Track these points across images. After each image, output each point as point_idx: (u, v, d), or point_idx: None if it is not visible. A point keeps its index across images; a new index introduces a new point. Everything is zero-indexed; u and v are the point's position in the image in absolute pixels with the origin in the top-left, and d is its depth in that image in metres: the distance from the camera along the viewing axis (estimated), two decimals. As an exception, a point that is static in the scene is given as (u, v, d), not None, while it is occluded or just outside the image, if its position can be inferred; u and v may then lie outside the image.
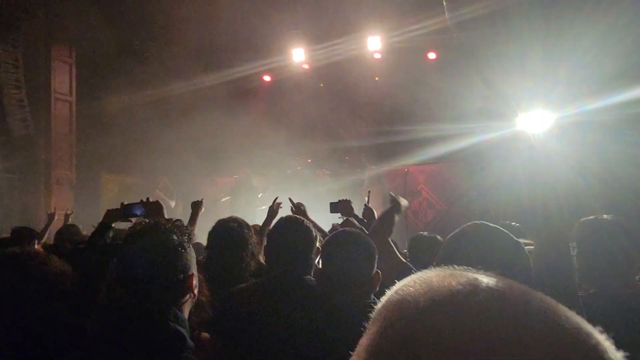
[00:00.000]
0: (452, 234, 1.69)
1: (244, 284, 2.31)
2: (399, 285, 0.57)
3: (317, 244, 2.32)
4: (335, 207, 4.49)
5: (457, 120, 8.57)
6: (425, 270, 0.58)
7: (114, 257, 2.06)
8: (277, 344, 1.91)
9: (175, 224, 1.61)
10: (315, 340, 1.80)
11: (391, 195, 3.28)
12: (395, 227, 3.31)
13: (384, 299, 0.57)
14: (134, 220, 3.05)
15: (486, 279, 0.52)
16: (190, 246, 1.61)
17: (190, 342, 1.46)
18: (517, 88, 6.29)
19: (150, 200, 3.13)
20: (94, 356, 1.43)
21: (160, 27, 10.26)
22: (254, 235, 2.89)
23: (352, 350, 0.55)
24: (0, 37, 8.15)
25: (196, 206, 3.96)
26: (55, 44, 9.72)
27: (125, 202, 3.11)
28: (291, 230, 2.26)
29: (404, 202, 3.23)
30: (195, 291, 1.58)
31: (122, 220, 3.06)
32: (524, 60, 6.50)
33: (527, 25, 6.52)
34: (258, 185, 10.23)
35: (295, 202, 4.24)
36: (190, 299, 1.56)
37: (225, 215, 3.53)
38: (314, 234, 2.30)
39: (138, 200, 3.24)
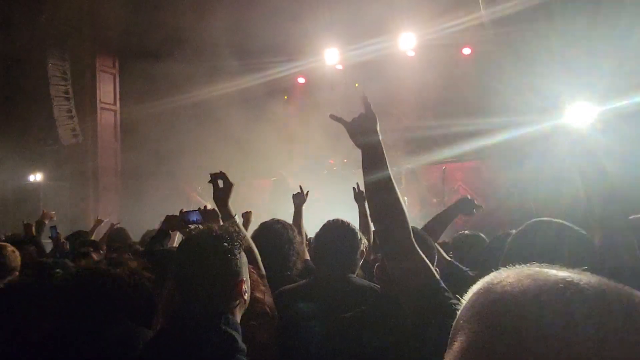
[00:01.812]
0: (516, 232, 1.67)
1: (293, 284, 2.40)
2: (486, 283, 0.57)
3: (362, 247, 2.39)
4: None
5: (493, 115, 8.46)
6: (509, 268, 0.58)
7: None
8: (326, 342, 1.98)
9: (227, 230, 1.63)
10: (363, 336, 1.86)
11: (466, 196, 3.22)
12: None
13: (472, 298, 0.57)
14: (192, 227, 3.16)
15: (580, 277, 0.53)
16: (242, 252, 1.64)
17: (242, 345, 1.48)
18: (559, 81, 6.18)
19: (207, 207, 3.25)
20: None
21: (196, 31, 10.51)
22: (298, 235, 2.97)
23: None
24: (50, 52, 8.56)
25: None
26: (99, 55, 10.14)
27: (184, 210, 3.22)
28: (337, 232, 2.36)
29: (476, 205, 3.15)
30: (246, 297, 1.60)
31: (181, 227, 3.16)
32: (567, 54, 6.38)
33: (571, 19, 6.39)
34: (295, 187, 10.33)
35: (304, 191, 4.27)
36: (241, 304, 1.59)
37: (262, 218, 3.61)
38: (359, 236, 2.40)
39: (192, 208, 3.37)
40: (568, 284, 0.52)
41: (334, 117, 1.83)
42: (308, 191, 4.25)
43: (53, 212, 5.21)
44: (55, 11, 9.15)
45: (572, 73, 6.06)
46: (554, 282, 0.52)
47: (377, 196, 1.64)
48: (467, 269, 2.71)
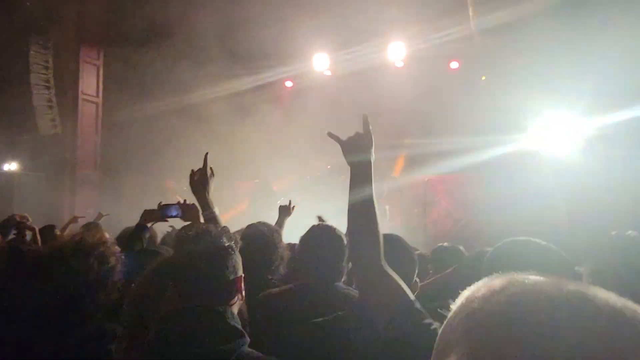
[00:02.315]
0: (492, 250, 1.65)
1: (275, 289, 2.35)
2: (469, 297, 0.56)
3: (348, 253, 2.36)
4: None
5: (477, 132, 8.55)
6: (485, 282, 0.57)
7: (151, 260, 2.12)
8: (308, 349, 1.93)
9: (224, 229, 1.69)
10: (345, 345, 1.82)
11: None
12: (416, 237, 3.26)
13: (457, 316, 0.55)
14: (169, 220, 3.09)
15: (570, 286, 0.52)
16: (237, 250, 1.68)
17: (247, 338, 1.54)
18: (541, 99, 6.25)
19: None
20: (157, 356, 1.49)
21: (184, 27, 10.41)
22: (283, 240, 2.92)
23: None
24: (33, 39, 8.37)
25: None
26: (83, 46, 9.95)
27: (163, 204, 3.15)
28: (323, 238, 2.32)
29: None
30: (243, 293, 1.65)
31: (159, 221, 3.11)
32: (548, 71, 6.47)
33: (551, 35, 6.49)
34: (278, 190, 10.29)
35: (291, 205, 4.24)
36: (239, 300, 1.64)
37: (243, 220, 3.56)
38: (345, 242, 2.35)
39: (162, 202, 3.28)
40: (577, 296, 0.50)
41: (331, 135, 1.85)
42: (294, 206, 4.22)
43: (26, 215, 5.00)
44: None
45: (555, 92, 6.14)
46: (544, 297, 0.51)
47: (356, 217, 1.68)
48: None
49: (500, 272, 1.44)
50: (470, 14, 7.88)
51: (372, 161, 1.72)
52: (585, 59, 6.25)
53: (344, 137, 1.79)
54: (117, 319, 1.83)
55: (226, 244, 1.63)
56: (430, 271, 3.53)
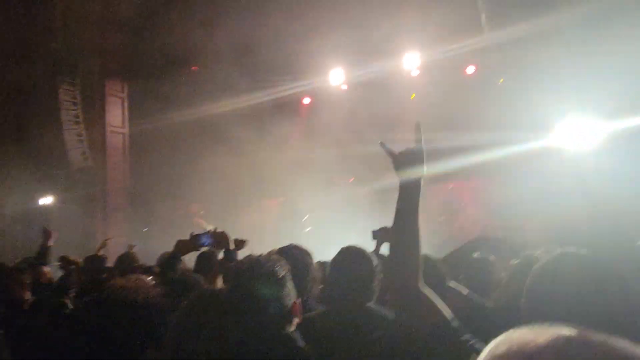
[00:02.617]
0: (537, 267, 1.55)
1: (311, 312, 2.43)
2: (490, 353, 0.56)
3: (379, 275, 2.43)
4: (376, 235, 4.52)
5: (498, 134, 8.50)
6: (507, 337, 0.56)
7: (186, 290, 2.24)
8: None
9: (278, 259, 1.81)
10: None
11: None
12: (443, 245, 3.21)
13: None
14: (201, 249, 3.22)
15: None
16: (289, 277, 1.79)
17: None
18: (562, 102, 6.24)
19: (216, 230, 3.30)
20: None
21: (204, 52, 10.66)
22: (314, 262, 3.00)
23: None
24: (60, 78, 8.73)
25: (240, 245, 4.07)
26: (108, 80, 10.32)
27: (195, 233, 3.28)
28: (353, 259, 2.40)
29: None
30: (300, 315, 1.77)
31: (193, 251, 3.23)
32: (574, 73, 6.42)
33: (579, 40, 6.44)
34: (303, 207, 10.40)
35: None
36: (297, 322, 1.76)
37: (270, 239, 3.65)
38: (375, 263, 2.42)
39: (189, 232, 3.41)
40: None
41: (384, 147, 1.80)
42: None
43: (55, 230, 5.15)
44: (66, 38, 9.36)
45: (575, 94, 6.11)
46: None
47: (401, 238, 1.66)
48: (482, 299, 2.70)
49: (548, 293, 1.37)
50: (484, 25, 7.90)
51: (422, 177, 1.67)
52: (609, 61, 6.20)
53: (395, 150, 1.75)
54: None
55: (281, 274, 1.73)
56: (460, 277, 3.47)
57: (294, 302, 1.75)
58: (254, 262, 1.77)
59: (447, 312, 1.58)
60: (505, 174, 9.72)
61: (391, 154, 1.75)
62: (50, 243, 5.10)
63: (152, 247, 6.58)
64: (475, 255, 3.83)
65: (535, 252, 2.47)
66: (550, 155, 6.07)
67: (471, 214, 10.20)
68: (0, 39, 8.68)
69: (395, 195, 1.67)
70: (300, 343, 1.67)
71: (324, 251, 3.69)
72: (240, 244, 4.02)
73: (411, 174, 1.67)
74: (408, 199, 1.65)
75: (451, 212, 9.44)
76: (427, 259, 2.55)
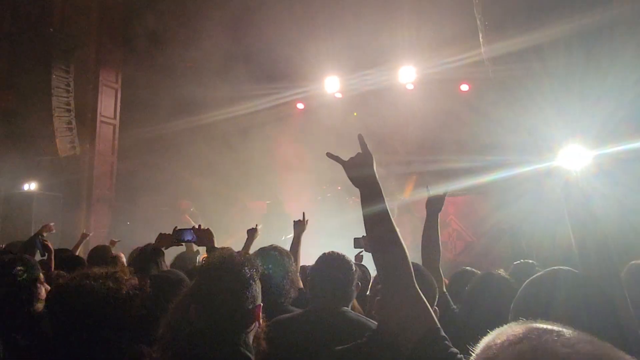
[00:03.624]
0: (529, 280, 1.57)
1: (287, 314, 2.44)
2: (488, 344, 0.59)
3: (357, 279, 2.45)
4: (358, 243, 4.53)
5: (487, 152, 8.59)
6: (506, 329, 0.59)
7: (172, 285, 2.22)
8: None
9: (248, 258, 1.77)
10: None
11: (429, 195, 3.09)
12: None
13: None
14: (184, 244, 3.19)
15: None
16: (258, 279, 1.76)
17: None
18: (553, 123, 6.31)
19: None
20: None
21: (200, 55, 10.67)
22: (294, 264, 3.00)
23: None
24: (55, 64, 8.66)
25: (252, 233, 4.07)
26: (103, 69, 10.25)
27: (178, 228, 3.26)
28: (333, 264, 2.42)
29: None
30: (260, 320, 1.73)
31: (174, 245, 3.20)
32: (560, 97, 6.52)
33: (565, 62, 6.54)
34: (289, 211, 10.38)
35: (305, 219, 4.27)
36: (255, 327, 1.72)
37: (256, 240, 3.63)
38: (354, 268, 2.45)
39: (173, 224, 3.38)
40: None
41: (330, 156, 1.84)
42: (307, 219, 4.25)
43: (52, 224, 5.14)
44: (63, 24, 9.30)
45: (567, 116, 6.20)
46: None
47: (377, 235, 1.65)
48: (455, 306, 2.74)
49: (535, 306, 1.37)
50: (481, 41, 8.00)
51: (376, 177, 1.69)
52: (600, 85, 6.30)
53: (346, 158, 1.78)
54: (142, 340, 1.91)
55: (247, 275, 1.70)
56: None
57: (257, 306, 1.71)
58: (223, 258, 1.75)
59: (436, 320, 1.56)
60: (491, 193, 9.81)
61: (340, 160, 1.79)
62: (44, 234, 5.05)
63: (134, 242, 6.52)
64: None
65: (499, 269, 2.60)
66: (539, 174, 6.14)
67: (455, 229, 10.26)
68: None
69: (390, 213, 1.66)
70: (244, 350, 1.62)
71: (310, 255, 3.69)
72: (252, 233, 4.01)
73: (364, 177, 1.70)
74: (370, 198, 1.67)
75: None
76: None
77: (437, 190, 3.15)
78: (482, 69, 9.43)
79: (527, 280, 1.56)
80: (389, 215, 1.64)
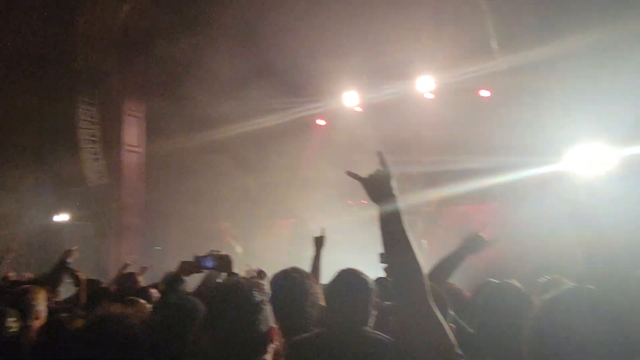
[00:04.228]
0: (546, 301, 1.45)
1: (306, 334, 2.40)
2: None
3: (375, 296, 2.40)
4: (384, 258, 4.47)
5: (509, 156, 8.45)
6: None
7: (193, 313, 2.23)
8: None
9: (254, 282, 1.76)
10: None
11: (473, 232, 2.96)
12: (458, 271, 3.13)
13: None
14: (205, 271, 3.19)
15: None
16: (268, 301, 1.74)
17: None
18: (574, 125, 6.18)
19: (221, 249, 3.29)
20: None
21: (222, 73, 10.83)
22: (315, 285, 2.97)
23: None
24: (79, 96, 8.94)
25: (319, 242, 4.07)
26: (127, 99, 10.53)
27: (198, 255, 3.25)
28: (349, 282, 2.38)
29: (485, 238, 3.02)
30: (276, 342, 1.72)
31: (195, 272, 3.19)
32: (584, 99, 6.38)
33: (589, 66, 6.41)
34: (314, 228, 10.34)
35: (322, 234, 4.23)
36: (273, 350, 1.70)
37: (282, 259, 3.62)
38: (371, 286, 2.40)
39: (208, 250, 3.39)
40: None
41: (350, 174, 1.84)
42: (324, 236, 4.22)
43: (75, 248, 5.22)
44: (87, 59, 9.61)
45: (589, 117, 6.05)
46: None
47: (394, 254, 1.66)
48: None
49: (552, 337, 1.30)
50: (495, 50, 7.93)
51: (396, 195, 1.70)
52: (623, 88, 6.15)
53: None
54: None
55: (257, 299, 1.69)
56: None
57: (271, 328, 1.70)
58: (231, 285, 1.76)
59: (452, 337, 1.54)
60: (518, 198, 9.60)
61: (359, 178, 1.79)
62: (69, 261, 5.15)
63: (167, 266, 6.59)
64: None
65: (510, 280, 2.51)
66: (564, 179, 6.00)
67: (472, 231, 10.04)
68: (20, 55, 8.94)
69: (406, 218, 1.66)
70: None
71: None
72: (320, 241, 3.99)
73: (383, 195, 1.70)
74: (389, 217, 1.67)
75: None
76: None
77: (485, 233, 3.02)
78: (501, 77, 9.34)
79: (544, 301, 1.46)
80: (406, 233, 1.64)
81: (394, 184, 1.73)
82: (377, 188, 1.72)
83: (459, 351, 1.50)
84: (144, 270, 6.28)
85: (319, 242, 4.17)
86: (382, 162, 1.78)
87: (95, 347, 1.73)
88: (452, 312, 2.70)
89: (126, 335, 1.80)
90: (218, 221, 11.08)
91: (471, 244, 2.98)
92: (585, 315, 1.33)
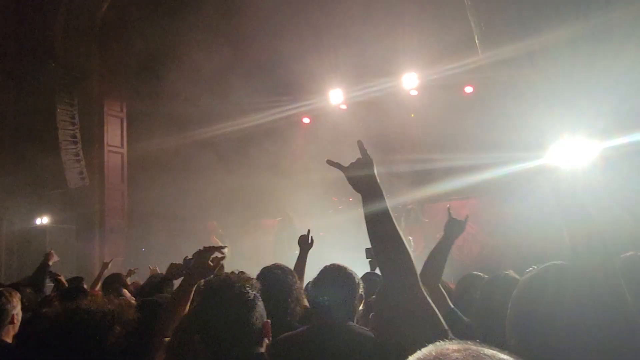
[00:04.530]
0: (523, 279, 1.56)
1: (290, 332, 2.38)
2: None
3: (360, 291, 2.38)
4: (369, 253, 4.48)
5: (496, 151, 8.50)
6: (437, 347, 0.59)
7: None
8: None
9: (246, 278, 1.73)
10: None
11: (451, 218, 3.00)
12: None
13: None
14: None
15: None
16: (260, 297, 1.74)
17: None
18: (557, 119, 6.22)
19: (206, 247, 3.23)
20: None
21: (205, 71, 10.74)
22: (298, 281, 2.95)
23: None
24: (59, 97, 8.79)
25: (305, 242, 4.01)
26: (107, 100, 10.39)
27: (188, 257, 3.18)
28: (335, 277, 2.35)
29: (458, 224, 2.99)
30: (270, 336, 1.72)
31: (182, 275, 3.12)
32: (566, 92, 6.43)
33: (570, 59, 6.47)
34: (300, 227, 10.33)
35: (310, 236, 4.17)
36: (267, 343, 1.70)
37: (267, 258, 3.59)
38: (357, 281, 2.38)
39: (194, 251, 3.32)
40: None
41: (331, 163, 1.86)
42: (312, 237, 4.14)
43: (53, 251, 5.25)
44: (66, 58, 9.45)
45: (571, 111, 6.11)
46: None
47: (380, 240, 1.65)
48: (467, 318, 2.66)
49: (532, 303, 1.35)
50: (478, 47, 7.97)
51: (377, 181, 1.70)
52: (603, 81, 6.21)
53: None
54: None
55: (251, 294, 1.68)
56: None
57: (265, 322, 1.70)
58: (222, 282, 1.72)
59: (444, 323, 1.54)
60: (503, 193, 9.68)
61: (340, 167, 1.81)
62: (50, 264, 5.18)
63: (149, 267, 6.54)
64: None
65: (507, 271, 2.51)
66: (547, 172, 6.02)
67: (470, 232, 10.12)
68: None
69: (392, 215, 1.66)
70: None
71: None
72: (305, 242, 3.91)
73: (365, 182, 1.71)
74: (370, 199, 1.68)
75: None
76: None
77: (458, 213, 3.11)
78: (484, 73, 9.40)
79: (521, 281, 1.55)
80: (391, 216, 1.64)
81: (374, 169, 1.73)
82: (359, 175, 1.72)
83: (452, 337, 1.48)
84: (131, 272, 6.23)
85: (304, 244, 4.10)
86: (362, 151, 1.79)
87: (63, 339, 1.67)
88: (451, 305, 2.72)
89: (92, 327, 1.72)
90: (204, 221, 11.00)
91: (452, 229, 2.99)
92: (561, 290, 1.39)
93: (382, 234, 1.63)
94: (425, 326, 1.50)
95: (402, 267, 1.57)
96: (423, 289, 1.55)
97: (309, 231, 4.18)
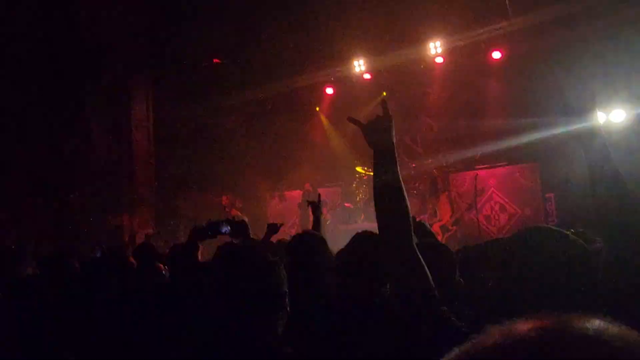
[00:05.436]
0: (511, 239, 1.65)
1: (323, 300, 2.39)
2: None
3: None
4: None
5: (524, 117, 8.31)
6: None
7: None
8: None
9: (270, 244, 1.75)
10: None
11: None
12: (470, 235, 3.10)
13: None
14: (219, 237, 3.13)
15: None
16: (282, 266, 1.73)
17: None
18: (595, 83, 6.01)
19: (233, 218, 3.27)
20: None
21: (228, 44, 10.66)
22: (327, 248, 2.94)
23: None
24: (86, 73, 8.87)
25: (315, 207, 4.00)
26: (133, 74, 10.45)
27: (212, 220, 3.19)
28: (367, 245, 2.33)
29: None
30: (288, 309, 1.68)
31: (209, 238, 3.13)
32: (604, 57, 6.20)
33: (609, 24, 6.21)
34: (325, 199, 10.34)
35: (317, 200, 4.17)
36: (285, 315, 1.67)
37: (294, 231, 3.60)
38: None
39: (216, 219, 3.35)
40: None
41: (350, 119, 1.89)
42: (319, 201, 4.13)
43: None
44: (91, 32, 9.50)
45: (609, 76, 5.88)
46: None
47: (384, 196, 1.71)
48: None
49: (520, 261, 1.39)
50: (509, 9, 7.68)
51: (394, 141, 1.75)
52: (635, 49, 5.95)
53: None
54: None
55: (275, 259, 1.69)
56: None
57: (285, 292, 1.68)
58: (246, 247, 1.74)
59: (432, 282, 1.60)
60: (533, 161, 9.49)
61: (359, 124, 1.83)
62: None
63: (180, 240, 6.68)
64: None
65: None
66: (580, 140, 5.85)
67: (497, 201, 9.99)
68: (24, 35, 8.86)
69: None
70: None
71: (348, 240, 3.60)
72: (272, 228, 3.86)
73: (380, 138, 1.74)
74: (383, 162, 1.72)
75: (475, 198, 9.15)
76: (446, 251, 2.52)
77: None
78: (513, 37, 9.12)
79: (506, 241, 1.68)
80: (400, 182, 1.69)
81: (392, 130, 1.76)
82: (376, 133, 1.75)
83: (436, 294, 1.56)
84: (149, 236, 6.23)
85: (314, 207, 4.10)
86: (384, 109, 1.81)
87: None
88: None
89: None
90: (221, 195, 11.09)
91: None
92: (539, 250, 1.45)
93: (386, 192, 1.69)
94: (415, 281, 1.57)
95: (399, 226, 1.65)
96: (418, 253, 1.61)
97: (319, 196, 4.30)
